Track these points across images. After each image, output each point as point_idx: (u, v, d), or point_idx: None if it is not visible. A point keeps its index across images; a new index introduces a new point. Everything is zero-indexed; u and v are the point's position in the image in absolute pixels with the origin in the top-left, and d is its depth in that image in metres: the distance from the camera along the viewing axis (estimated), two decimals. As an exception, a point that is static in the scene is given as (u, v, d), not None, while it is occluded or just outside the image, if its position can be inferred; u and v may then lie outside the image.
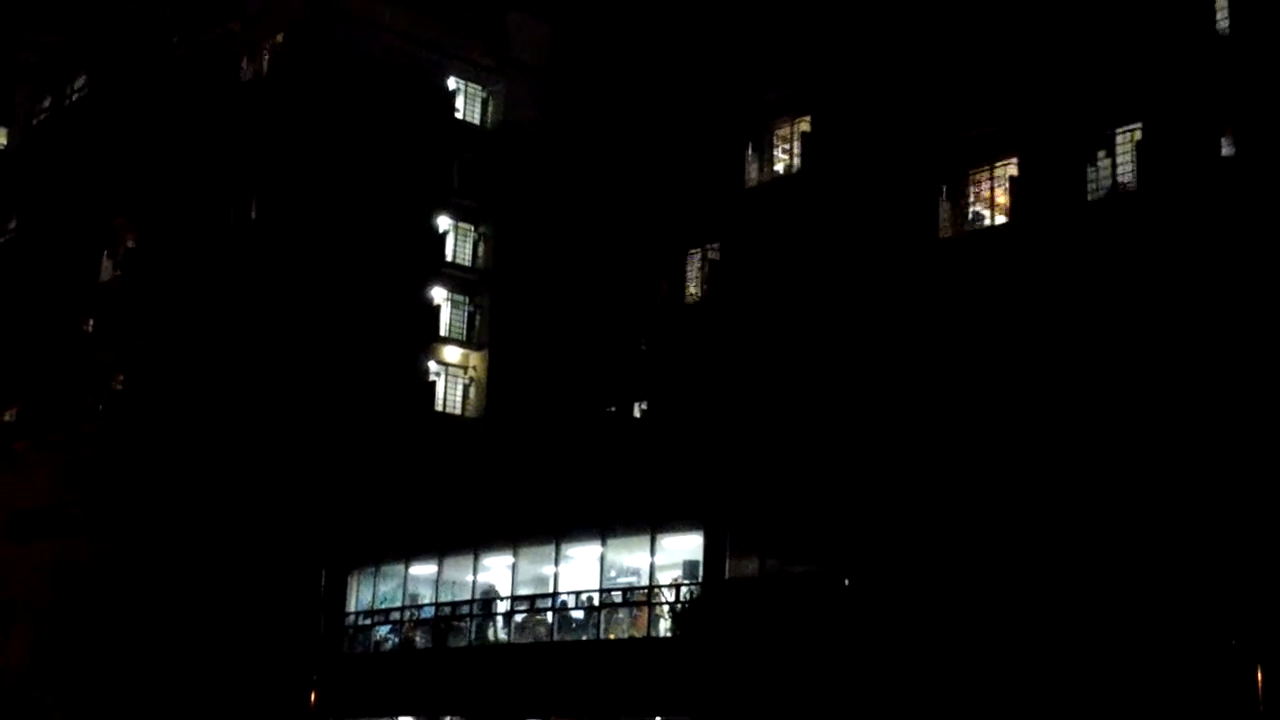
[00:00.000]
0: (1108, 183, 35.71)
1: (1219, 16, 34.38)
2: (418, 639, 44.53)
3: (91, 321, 62.01)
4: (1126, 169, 35.40)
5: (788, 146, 44.33)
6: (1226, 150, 33.82)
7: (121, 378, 58.88)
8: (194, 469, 52.53)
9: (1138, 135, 35.20)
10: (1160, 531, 31.16)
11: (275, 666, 47.03)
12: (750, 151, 44.71)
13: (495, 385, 54.73)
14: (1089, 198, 35.93)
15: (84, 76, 66.63)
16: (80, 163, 64.72)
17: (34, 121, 69.77)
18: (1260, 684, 28.21)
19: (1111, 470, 32.43)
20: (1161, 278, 33.42)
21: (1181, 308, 32.90)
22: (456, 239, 55.97)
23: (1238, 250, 32.37)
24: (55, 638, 56.34)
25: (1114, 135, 35.69)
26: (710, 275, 45.06)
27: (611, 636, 39.08)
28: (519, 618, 41.67)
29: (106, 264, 62.13)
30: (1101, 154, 35.89)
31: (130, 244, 60.73)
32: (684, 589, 37.74)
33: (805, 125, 43.50)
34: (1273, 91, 32.85)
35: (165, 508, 53.29)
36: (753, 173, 44.73)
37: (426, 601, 44.83)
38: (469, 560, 43.46)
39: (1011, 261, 36.84)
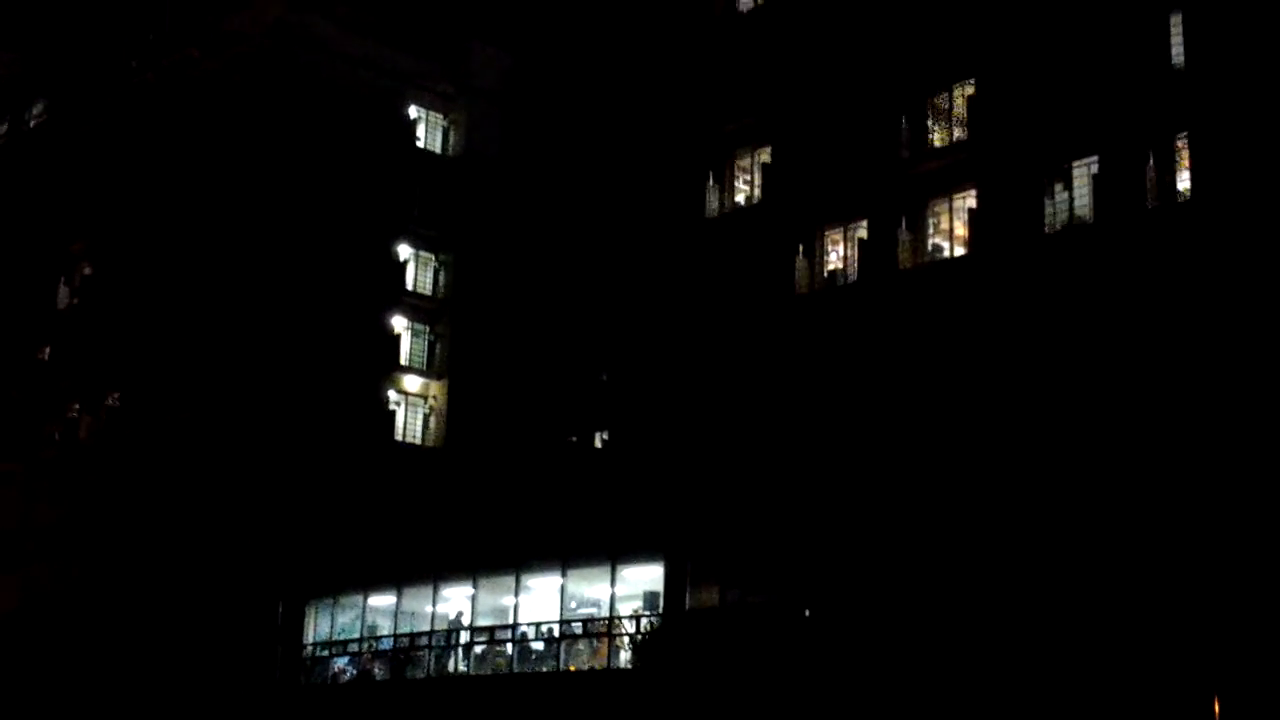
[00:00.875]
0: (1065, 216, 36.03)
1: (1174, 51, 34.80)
2: (376, 670, 44.19)
3: (48, 349, 61.49)
4: (1083, 201, 35.71)
5: (748, 177, 44.46)
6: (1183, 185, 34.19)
7: (78, 406, 58.35)
8: (152, 497, 52.08)
9: (1094, 169, 35.51)
10: (1120, 562, 31.34)
11: (231, 697, 46.58)
12: (710, 181, 44.81)
13: (456, 414, 54.49)
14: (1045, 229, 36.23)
15: (43, 102, 66.24)
16: (38, 188, 64.27)
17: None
18: (1217, 713, 28.35)
19: (1068, 503, 32.63)
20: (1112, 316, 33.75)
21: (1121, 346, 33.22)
22: (417, 267, 55.82)
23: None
24: (15, 664, 55.62)
25: (1070, 169, 36.03)
26: (674, 307, 45.04)
27: (572, 668, 38.88)
28: (478, 649, 41.44)
29: (64, 291, 61.68)
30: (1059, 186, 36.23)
31: (88, 271, 60.29)
32: (644, 620, 37.61)
33: (765, 156, 43.70)
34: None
35: (124, 536, 52.80)
36: (713, 202, 44.82)
37: (385, 633, 44.53)
38: (428, 591, 43.20)
39: (968, 292, 37.07)
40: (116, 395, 56.27)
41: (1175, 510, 31.09)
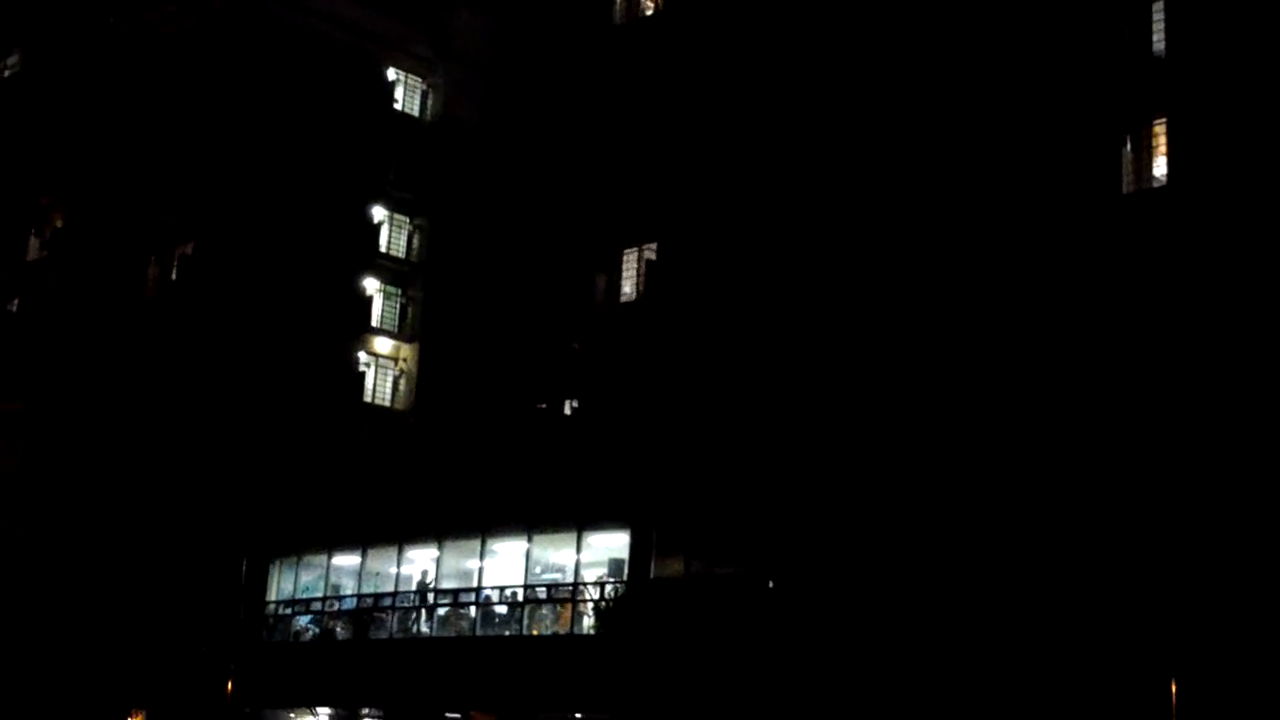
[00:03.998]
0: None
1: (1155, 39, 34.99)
2: (338, 630, 44.20)
3: (17, 301, 61.10)
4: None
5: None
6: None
7: (47, 359, 58.02)
8: (118, 452, 51.89)
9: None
10: (1081, 543, 31.59)
11: (193, 655, 46.54)
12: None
13: (426, 378, 54.49)
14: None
15: (17, 53, 65.64)
16: (9, 140, 63.75)
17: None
18: (1174, 696, 28.63)
19: (1033, 486, 32.85)
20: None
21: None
22: (391, 230, 55.70)
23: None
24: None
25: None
26: (647, 274, 45.06)
27: (535, 633, 38.99)
28: (442, 611, 41.46)
29: (34, 243, 61.25)
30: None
31: (58, 223, 59.90)
32: (609, 587, 37.73)
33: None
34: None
35: (88, 491, 52.60)
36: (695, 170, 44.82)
37: (349, 592, 44.51)
38: (393, 552, 43.21)
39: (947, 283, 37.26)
40: (87, 348, 55.99)
41: (1134, 496, 31.36)
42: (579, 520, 38.46)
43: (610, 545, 38.36)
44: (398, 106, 56.86)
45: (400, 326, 55.35)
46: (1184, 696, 28.69)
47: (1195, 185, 33.19)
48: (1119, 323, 33.29)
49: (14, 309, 61.14)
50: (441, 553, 42.09)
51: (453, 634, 40.92)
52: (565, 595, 38.63)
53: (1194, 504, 30.62)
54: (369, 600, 43.40)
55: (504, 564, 40.69)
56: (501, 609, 40.10)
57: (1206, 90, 33.42)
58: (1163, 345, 32.53)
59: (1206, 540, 30.18)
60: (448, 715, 40.27)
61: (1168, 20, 34.64)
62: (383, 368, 54.55)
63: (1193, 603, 29.82)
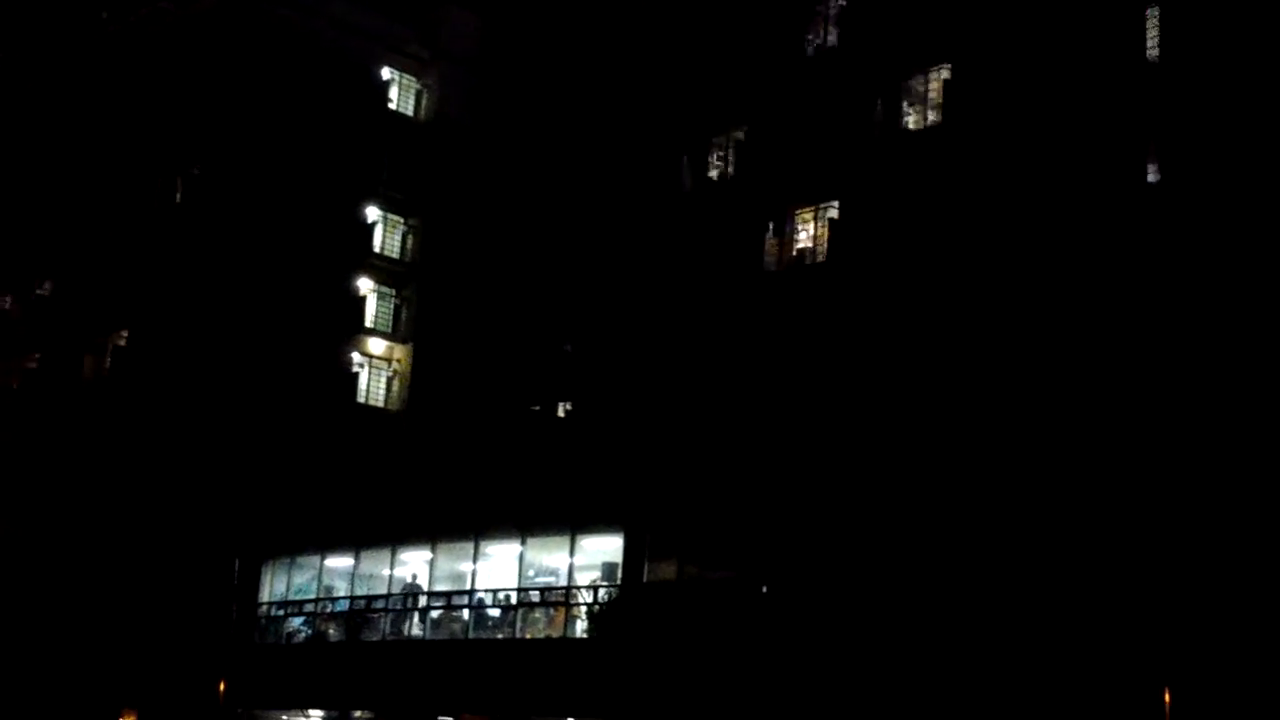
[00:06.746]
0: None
1: (1149, 44, 35.03)
2: (331, 632, 44.20)
3: (9, 299, 61.02)
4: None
5: (721, 154, 44.51)
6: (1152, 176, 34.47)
7: (37, 356, 57.95)
8: (110, 452, 51.79)
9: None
10: (1074, 547, 31.62)
11: (185, 655, 46.49)
12: (685, 161, 44.82)
13: (419, 379, 54.30)
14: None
15: (5, 50, 65.45)
16: None
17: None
18: (1167, 705, 28.68)
19: (1025, 484, 32.89)
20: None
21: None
22: (385, 230, 55.51)
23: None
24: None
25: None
26: (642, 279, 45.06)
27: (527, 636, 39.00)
28: (435, 614, 41.46)
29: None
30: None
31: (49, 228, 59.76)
32: (602, 591, 37.76)
33: (740, 135, 43.69)
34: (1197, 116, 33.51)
35: (82, 491, 52.50)
36: (687, 178, 44.83)
37: (341, 594, 44.51)
38: (386, 554, 43.21)
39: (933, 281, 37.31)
40: (78, 345, 55.94)
41: (1126, 505, 31.40)
42: (573, 523, 38.47)
43: (604, 548, 38.39)
44: (392, 106, 56.68)
45: (394, 327, 55.19)
46: (1177, 705, 28.73)
47: (1188, 191, 33.27)
48: (1106, 332, 33.33)
49: (6, 306, 61.08)
50: (434, 555, 42.11)
51: (445, 636, 40.91)
52: (558, 598, 38.65)
53: (1184, 513, 30.65)
54: (362, 602, 43.40)
55: (497, 567, 40.71)
56: (494, 612, 40.13)
57: (1202, 98, 33.49)
58: (1147, 355, 32.56)
59: (1197, 549, 30.22)
60: (440, 718, 40.27)
61: (1162, 28, 34.70)
62: (376, 369, 54.41)
63: (1186, 611, 29.85)
